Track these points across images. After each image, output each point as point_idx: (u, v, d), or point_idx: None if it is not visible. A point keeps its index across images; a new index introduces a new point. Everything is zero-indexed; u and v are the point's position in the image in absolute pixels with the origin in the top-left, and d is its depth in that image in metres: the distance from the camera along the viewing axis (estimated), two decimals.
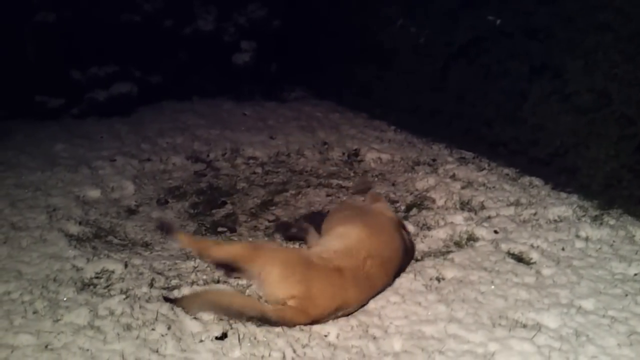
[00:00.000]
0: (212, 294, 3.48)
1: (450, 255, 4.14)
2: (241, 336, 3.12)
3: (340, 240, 3.69)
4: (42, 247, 4.11)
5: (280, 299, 3.31)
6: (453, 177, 5.70)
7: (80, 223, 4.60)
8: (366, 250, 3.56)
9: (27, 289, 3.52)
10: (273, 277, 3.37)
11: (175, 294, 3.54)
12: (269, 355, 2.99)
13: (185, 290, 3.58)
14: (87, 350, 2.98)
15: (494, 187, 5.38)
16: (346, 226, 3.84)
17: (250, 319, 3.24)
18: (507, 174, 5.72)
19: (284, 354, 3.01)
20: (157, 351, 3.00)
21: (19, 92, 7.67)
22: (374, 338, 3.19)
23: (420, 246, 4.39)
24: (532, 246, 4.22)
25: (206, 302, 3.36)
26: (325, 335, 3.22)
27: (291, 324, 3.24)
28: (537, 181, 5.45)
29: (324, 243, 3.80)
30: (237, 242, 3.82)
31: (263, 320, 3.22)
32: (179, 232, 3.78)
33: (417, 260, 4.16)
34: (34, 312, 3.30)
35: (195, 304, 3.36)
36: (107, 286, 3.65)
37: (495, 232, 4.48)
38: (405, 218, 4.87)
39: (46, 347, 3.00)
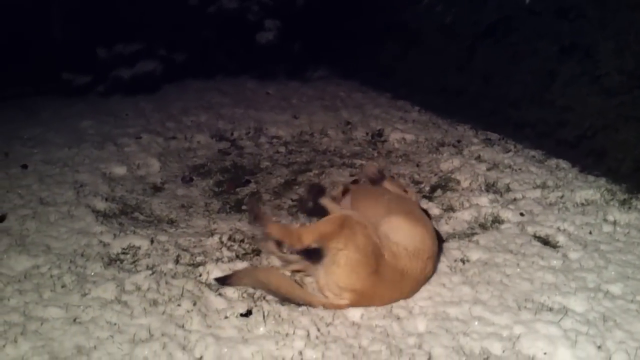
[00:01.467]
0: (262, 274, 3.46)
1: (475, 237, 4.11)
2: (266, 313, 3.15)
3: (405, 236, 3.47)
4: (70, 222, 4.19)
5: (340, 288, 3.25)
6: (478, 158, 5.64)
7: (106, 199, 4.66)
8: (428, 252, 3.46)
9: (55, 263, 3.59)
10: (343, 266, 3.24)
11: (201, 270, 3.58)
12: (293, 333, 3.01)
13: (210, 267, 3.61)
14: (115, 324, 3.03)
15: (520, 169, 5.31)
16: (406, 220, 3.60)
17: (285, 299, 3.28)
18: (534, 156, 5.64)
19: (308, 332, 3.02)
20: (182, 327, 3.04)
21: (45, 69, 7.77)
22: (398, 318, 3.19)
23: (445, 228, 4.36)
24: (558, 229, 4.16)
25: (254, 281, 3.40)
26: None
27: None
28: (564, 164, 5.37)
29: (386, 235, 3.48)
30: (325, 219, 3.53)
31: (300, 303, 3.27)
32: (270, 222, 3.66)
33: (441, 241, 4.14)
34: (63, 286, 3.37)
35: (244, 280, 3.42)
36: (134, 262, 3.71)
37: (521, 214, 4.43)
38: (430, 199, 4.84)
39: (74, 320, 3.06)
